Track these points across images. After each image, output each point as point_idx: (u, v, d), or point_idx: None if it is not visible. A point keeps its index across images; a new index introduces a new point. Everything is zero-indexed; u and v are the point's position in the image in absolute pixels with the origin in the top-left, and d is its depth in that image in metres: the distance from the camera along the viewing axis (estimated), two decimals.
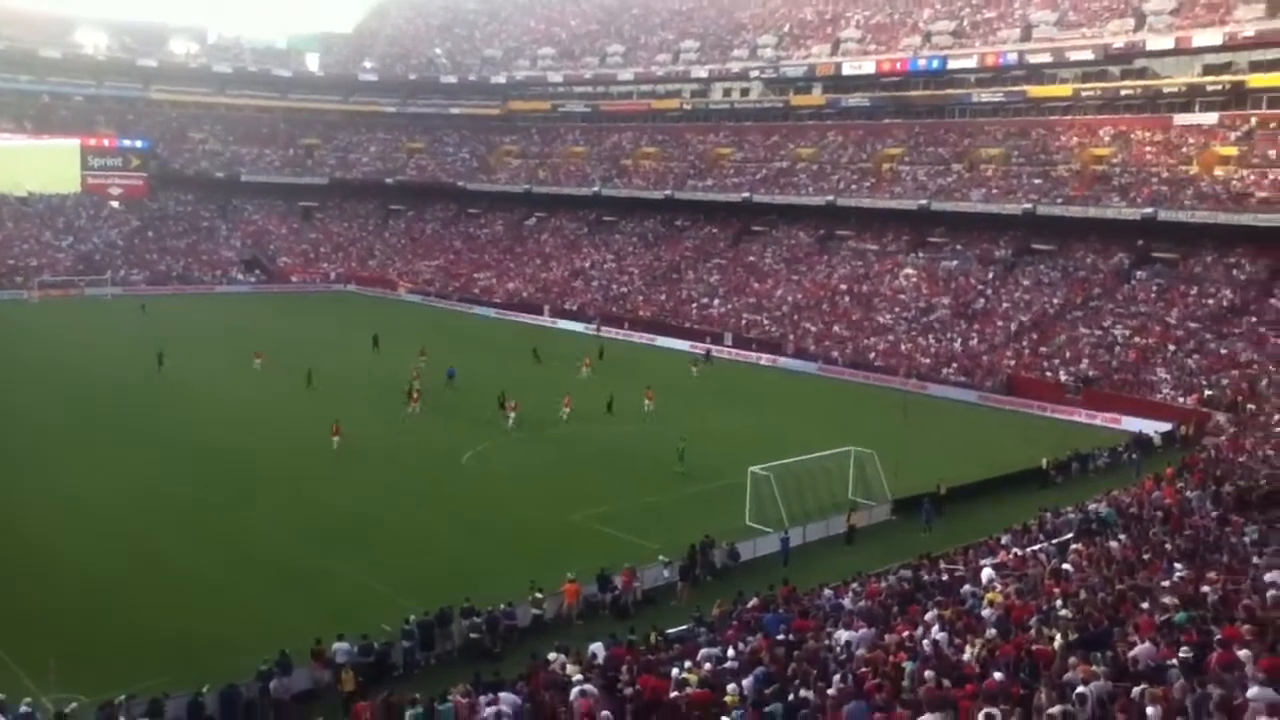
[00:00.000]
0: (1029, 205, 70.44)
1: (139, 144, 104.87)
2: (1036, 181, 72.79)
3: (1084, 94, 77.34)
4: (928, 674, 15.22)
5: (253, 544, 31.01)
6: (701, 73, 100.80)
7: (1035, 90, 79.68)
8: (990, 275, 71.66)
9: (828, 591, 24.03)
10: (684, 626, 23.80)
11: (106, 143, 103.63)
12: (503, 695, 17.75)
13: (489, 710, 17.27)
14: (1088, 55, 75.75)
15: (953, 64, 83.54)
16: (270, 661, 21.77)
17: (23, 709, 19.39)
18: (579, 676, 18.04)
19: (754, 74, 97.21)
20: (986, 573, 22.71)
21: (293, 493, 36.05)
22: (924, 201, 76.34)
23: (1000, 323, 65.39)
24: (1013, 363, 60.16)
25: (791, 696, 15.74)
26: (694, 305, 78.96)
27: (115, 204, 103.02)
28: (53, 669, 21.10)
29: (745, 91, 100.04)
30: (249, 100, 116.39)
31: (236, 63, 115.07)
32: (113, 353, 61.50)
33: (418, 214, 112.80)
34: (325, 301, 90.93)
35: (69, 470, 37.73)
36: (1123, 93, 75.43)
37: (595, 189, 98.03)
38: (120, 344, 64.43)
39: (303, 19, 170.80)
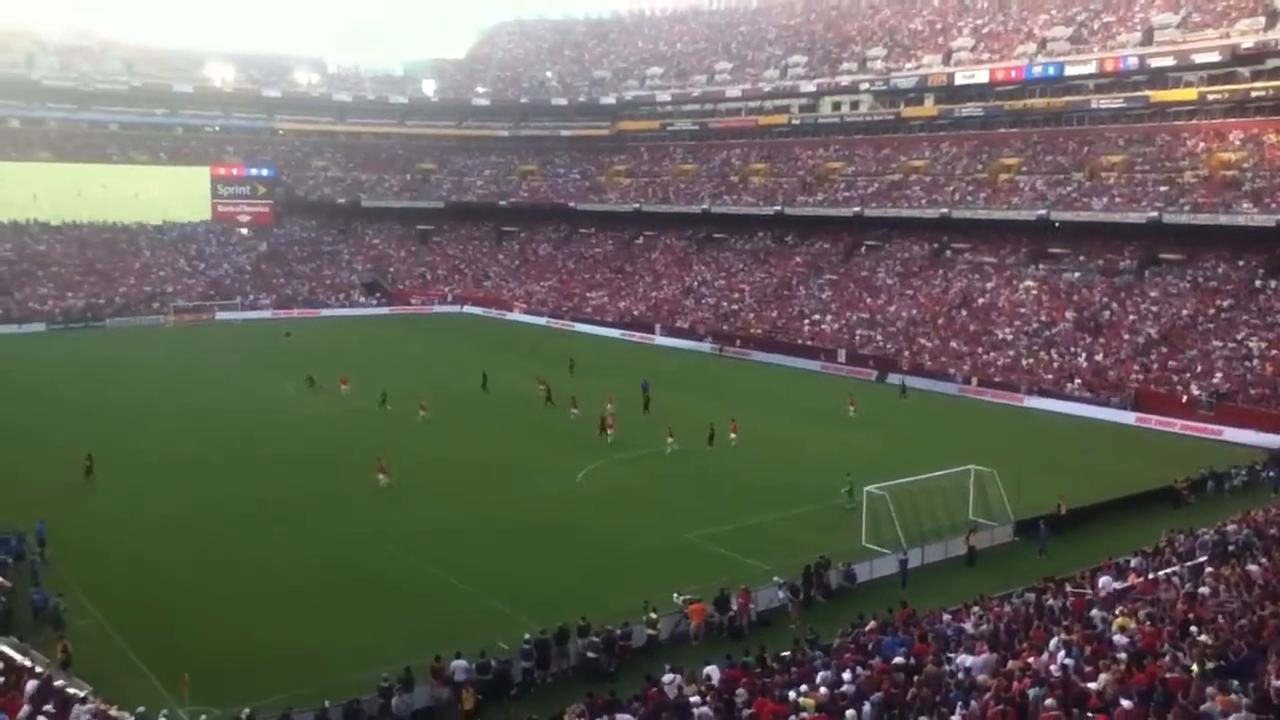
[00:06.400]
0: (1154, 214, 67.96)
1: (265, 172, 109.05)
2: (1162, 189, 70.18)
3: (1210, 97, 74.21)
4: (1050, 701, 14.75)
5: (371, 563, 31.67)
6: (810, 87, 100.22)
7: (1158, 95, 76.74)
8: (1114, 287, 69.37)
9: (947, 615, 23.46)
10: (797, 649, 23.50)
11: (235, 171, 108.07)
12: (619, 717, 17.79)
13: None
14: (1214, 57, 72.85)
15: (1070, 70, 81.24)
16: (392, 678, 22.20)
17: None
18: (695, 698, 17.96)
19: (863, 86, 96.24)
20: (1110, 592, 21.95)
21: (408, 513, 36.64)
22: (1043, 212, 74.32)
23: (1126, 336, 63.14)
24: (1140, 377, 58.07)
25: None
26: (806, 322, 78.30)
27: (243, 231, 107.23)
28: (185, 682, 21.84)
29: (855, 104, 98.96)
30: (368, 128, 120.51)
31: (356, 91, 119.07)
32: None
33: (530, 235, 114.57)
34: (448, 323, 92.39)
35: (187, 491, 39.19)
36: (1253, 94, 72.21)
37: (705, 206, 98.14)
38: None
39: (417, 46, 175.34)
